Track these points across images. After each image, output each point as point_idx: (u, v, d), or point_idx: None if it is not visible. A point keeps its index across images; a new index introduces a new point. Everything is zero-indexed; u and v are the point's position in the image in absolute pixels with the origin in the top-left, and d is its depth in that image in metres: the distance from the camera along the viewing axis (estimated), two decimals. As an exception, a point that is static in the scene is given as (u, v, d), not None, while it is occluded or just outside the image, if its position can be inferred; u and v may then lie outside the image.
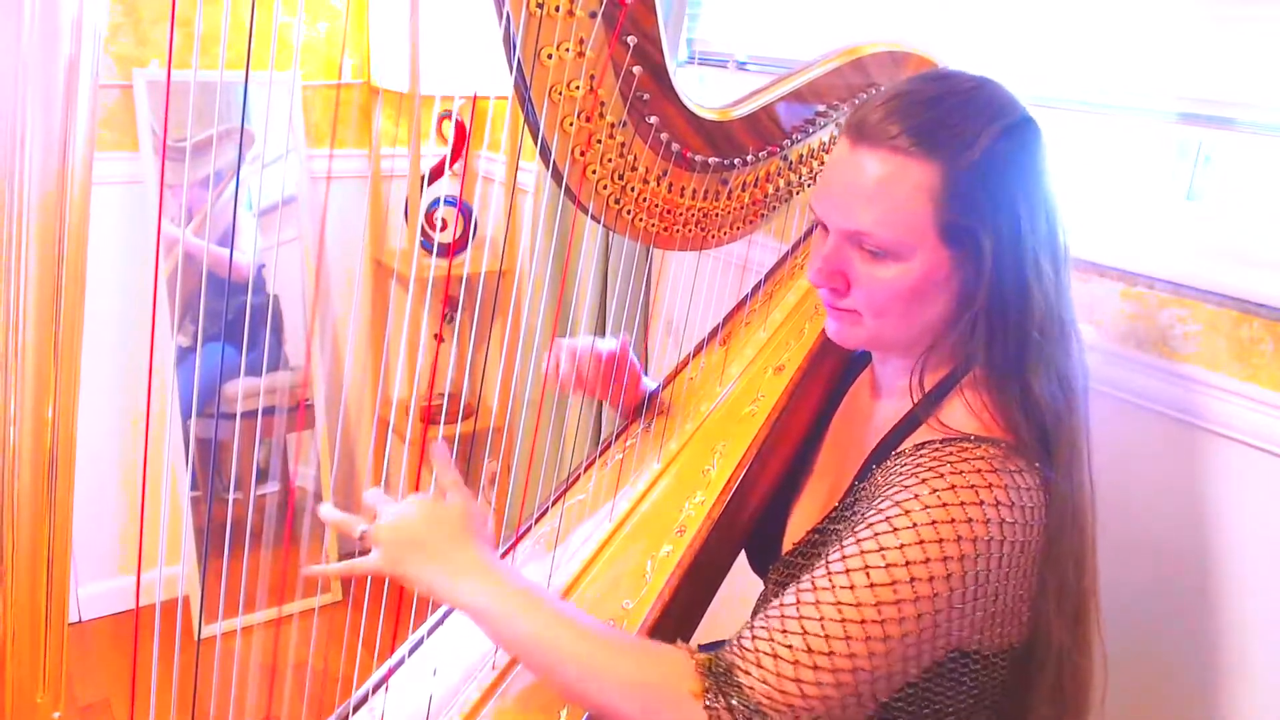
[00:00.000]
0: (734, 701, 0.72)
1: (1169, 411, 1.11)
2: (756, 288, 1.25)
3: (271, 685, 1.01)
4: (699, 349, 1.21)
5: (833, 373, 1.08)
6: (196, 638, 0.89)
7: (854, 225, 0.82)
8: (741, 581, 1.07)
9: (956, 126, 0.80)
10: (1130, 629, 1.12)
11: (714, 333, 1.22)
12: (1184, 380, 1.10)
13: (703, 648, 0.79)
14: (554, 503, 1.08)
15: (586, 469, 1.11)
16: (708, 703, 0.73)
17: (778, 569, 0.97)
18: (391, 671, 0.92)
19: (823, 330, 1.09)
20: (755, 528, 1.01)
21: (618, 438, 1.15)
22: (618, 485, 1.06)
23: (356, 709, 0.89)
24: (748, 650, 0.74)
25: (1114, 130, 1.25)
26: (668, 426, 1.12)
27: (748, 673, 0.73)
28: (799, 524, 0.99)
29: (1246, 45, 1.07)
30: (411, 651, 0.94)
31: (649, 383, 1.22)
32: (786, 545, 0.98)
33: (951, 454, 0.79)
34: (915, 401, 0.86)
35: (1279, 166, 1.12)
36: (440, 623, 0.97)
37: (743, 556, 1.04)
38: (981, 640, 0.81)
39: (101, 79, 1.91)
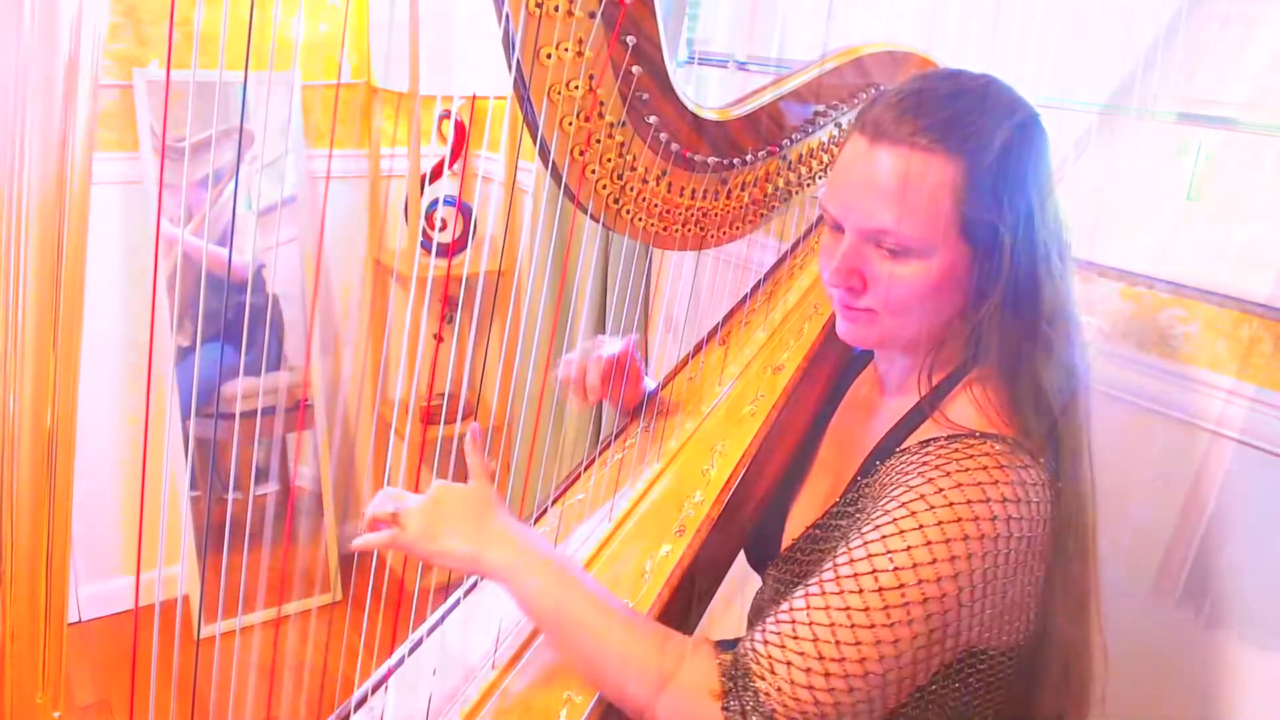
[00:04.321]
0: (748, 706, 0.72)
1: (1169, 411, 1.11)
2: (756, 287, 1.25)
3: (271, 685, 1.01)
4: (698, 348, 1.21)
5: (832, 372, 1.08)
6: (196, 637, 0.89)
7: (874, 224, 0.82)
8: (741, 581, 1.07)
9: (975, 123, 0.80)
10: (1130, 627, 1.12)
11: (713, 332, 1.22)
12: (1184, 380, 1.10)
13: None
14: (553, 502, 1.08)
15: (586, 468, 1.11)
16: (726, 705, 0.73)
17: (777, 565, 0.97)
18: (391, 671, 0.92)
19: (822, 330, 1.09)
20: (754, 526, 1.01)
21: (617, 437, 1.15)
22: (617, 485, 1.06)
23: (356, 709, 0.89)
24: (761, 656, 0.74)
25: (1114, 130, 1.25)
26: (667, 426, 1.12)
27: (762, 678, 0.73)
28: (798, 521, 0.99)
29: (1246, 45, 1.07)
30: (411, 651, 0.94)
31: (649, 382, 1.22)
32: (785, 542, 0.98)
33: (957, 451, 0.79)
34: (922, 395, 0.87)
35: (1279, 166, 1.12)
36: (440, 622, 0.97)
37: (742, 555, 1.04)
38: (989, 638, 0.81)
39: (101, 79, 1.91)
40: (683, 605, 0.93)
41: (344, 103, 2.25)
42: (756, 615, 1.08)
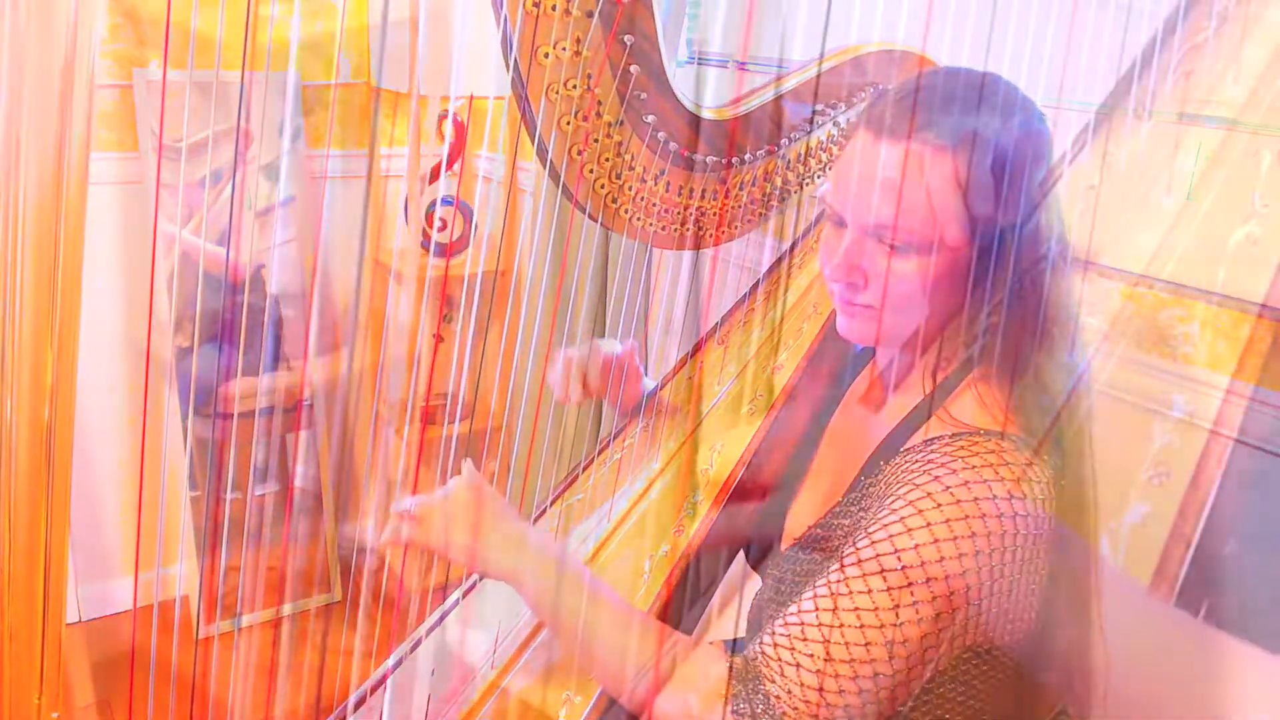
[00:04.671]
0: (759, 709, 0.73)
1: (1169, 411, 1.11)
2: (755, 287, 1.25)
3: (270, 685, 1.01)
4: (697, 348, 1.21)
5: (830, 372, 1.08)
6: (195, 637, 0.89)
7: (878, 219, 0.82)
8: (741, 581, 1.07)
9: (980, 121, 0.80)
10: (1129, 626, 1.12)
11: (712, 332, 1.22)
12: (1184, 380, 1.10)
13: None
14: (553, 502, 1.08)
15: (585, 468, 1.11)
16: (736, 709, 0.73)
17: (777, 565, 0.97)
18: (390, 672, 0.92)
19: (821, 330, 1.09)
20: (754, 526, 1.01)
21: (616, 437, 1.15)
22: (616, 484, 1.06)
23: (355, 709, 0.89)
24: (770, 659, 0.74)
25: (1113, 129, 1.24)
26: (666, 426, 1.12)
27: (772, 680, 0.73)
28: (797, 521, 0.99)
29: (1245, 44, 1.07)
30: (410, 651, 0.94)
31: (648, 382, 1.22)
32: (785, 542, 0.98)
33: (962, 448, 0.79)
34: (927, 393, 0.87)
35: (1278, 166, 1.12)
36: (439, 623, 0.97)
37: (741, 555, 1.04)
38: (994, 637, 0.81)
39: (101, 79, 1.91)
40: (681, 605, 0.93)
41: (344, 103, 2.25)
42: (756, 615, 1.08)
